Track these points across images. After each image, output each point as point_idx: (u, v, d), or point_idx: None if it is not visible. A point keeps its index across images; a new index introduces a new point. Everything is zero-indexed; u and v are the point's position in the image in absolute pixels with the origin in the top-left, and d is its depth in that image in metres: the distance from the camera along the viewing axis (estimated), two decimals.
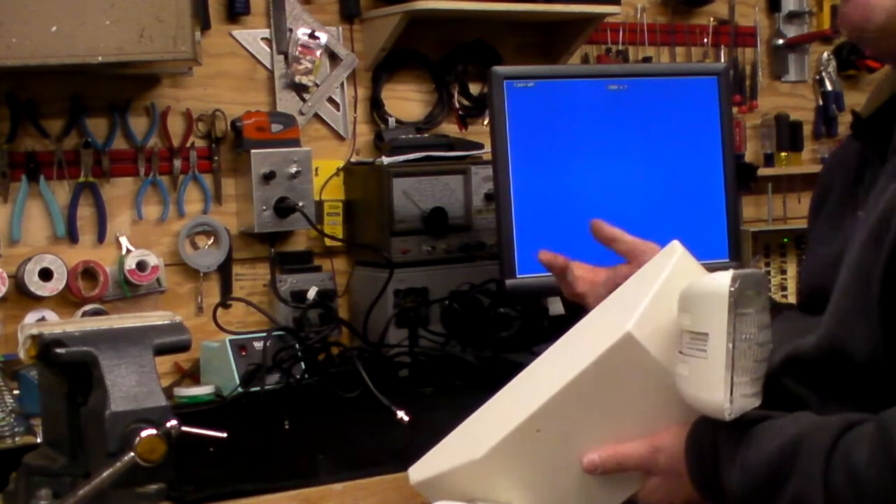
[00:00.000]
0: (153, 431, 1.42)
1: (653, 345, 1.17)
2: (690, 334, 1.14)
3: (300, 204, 2.43)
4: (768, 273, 2.92)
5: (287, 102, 2.54)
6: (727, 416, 1.12)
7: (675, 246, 1.26)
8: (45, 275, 2.27)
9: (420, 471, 1.34)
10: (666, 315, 1.17)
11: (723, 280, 1.13)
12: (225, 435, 1.56)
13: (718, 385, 1.12)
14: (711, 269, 1.25)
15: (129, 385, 1.45)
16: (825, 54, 3.26)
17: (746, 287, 1.13)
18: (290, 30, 2.53)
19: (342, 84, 2.61)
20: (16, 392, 2.02)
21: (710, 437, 1.17)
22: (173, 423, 1.44)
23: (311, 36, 2.55)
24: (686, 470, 1.20)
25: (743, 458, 1.14)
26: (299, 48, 2.54)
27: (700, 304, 1.14)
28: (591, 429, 1.23)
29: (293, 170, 2.44)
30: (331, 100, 2.60)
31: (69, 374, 1.50)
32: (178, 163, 2.42)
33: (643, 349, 1.17)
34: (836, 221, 1.32)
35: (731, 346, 1.11)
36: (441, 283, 2.45)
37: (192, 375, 2.38)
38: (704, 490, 1.20)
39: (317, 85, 2.56)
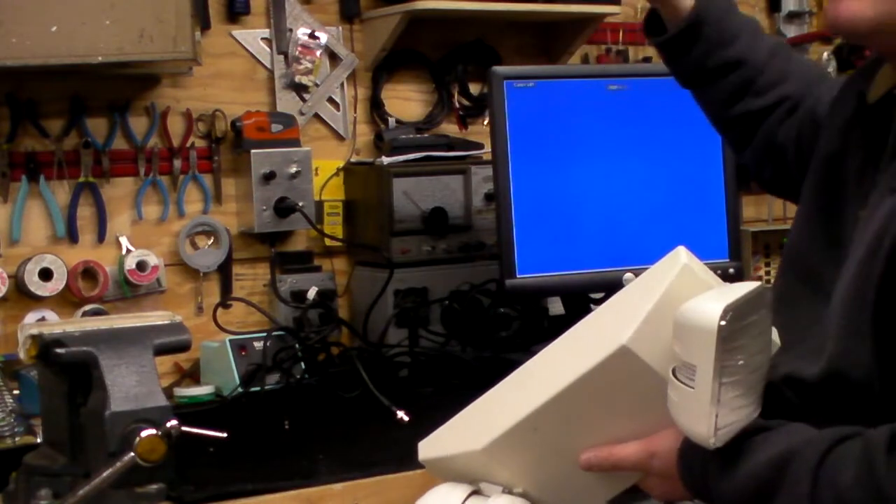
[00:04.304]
0: (153, 431, 1.42)
1: (650, 355, 1.16)
2: (681, 361, 1.13)
3: (300, 204, 2.43)
4: (768, 273, 2.91)
5: (287, 102, 2.54)
6: (712, 446, 1.13)
7: (680, 253, 1.22)
8: (45, 275, 2.27)
9: (428, 449, 1.37)
10: (666, 325, 1.15)
11: (713, 314, 1.08)
12: (225, 435, 1.56)
13: (703, 419, 1.11)
14: (714, 268, 1.24)
15: (129, 385, 1.45)
16: (825, 54, 3.26)
17: (739, 317, 1.09)
18: (290, 30, 2.53)
19: (342, 84, 2.61)
20: (16, 392, 2.02)
21: (701, 450, 1.17)
22: (173, 423, 1.44)
23: (311, 36, 2.55)
24: (678, 477, 1.21)
25: (732, 471, 1.15)
26: (299, 48, 2.53)
27: (689, 336, 1.11)
28: (588, 428, 1.24)
29: (293, 170, 2.44)
30: (331, 100, 2.60)
31: (69, 374, 1.50)
32: (178, 163, 2.41)
33: (640, 360, 1.16)
34: (837, 206, 1.28)
35: (717, 383, 1.09)
36: (441, 283, 2.45)
37: (192, 375, 2.38)
38: (698, 496, 1.21)
39: (317, 85, 2.56)
